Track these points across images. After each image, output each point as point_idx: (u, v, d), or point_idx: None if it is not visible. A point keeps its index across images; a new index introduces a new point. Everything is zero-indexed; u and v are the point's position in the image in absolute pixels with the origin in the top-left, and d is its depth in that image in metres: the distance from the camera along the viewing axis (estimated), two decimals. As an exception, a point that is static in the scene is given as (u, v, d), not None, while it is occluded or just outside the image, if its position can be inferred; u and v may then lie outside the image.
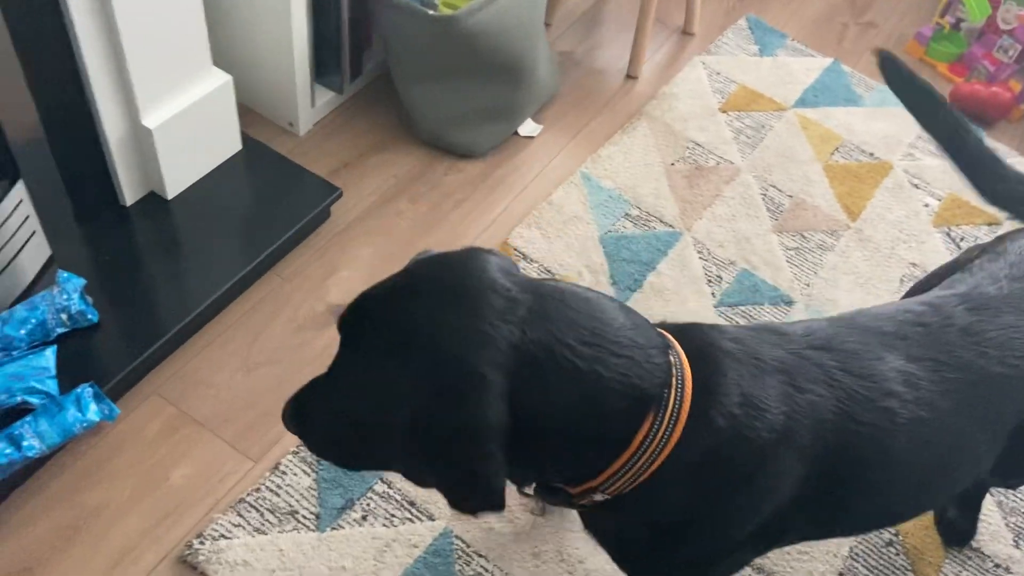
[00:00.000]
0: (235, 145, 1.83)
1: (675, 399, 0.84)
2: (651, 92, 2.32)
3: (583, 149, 2.16)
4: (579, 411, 0.80)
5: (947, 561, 1.55)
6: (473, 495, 0.79)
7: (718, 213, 2.05)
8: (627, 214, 2.02)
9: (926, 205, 2.14)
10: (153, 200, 1.73)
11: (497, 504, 0.79)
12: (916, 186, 2.18)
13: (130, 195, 1.69)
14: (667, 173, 2.11)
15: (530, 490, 0.97)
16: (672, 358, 0.87)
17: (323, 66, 2.00)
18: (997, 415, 1.03)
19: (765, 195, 2.10)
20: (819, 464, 0.93)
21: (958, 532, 1.54)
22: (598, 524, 1.03)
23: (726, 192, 2.09)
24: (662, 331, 0.92)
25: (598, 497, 0.89)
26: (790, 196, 2.11)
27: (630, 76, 2.36)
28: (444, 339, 0.76)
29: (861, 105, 2.35)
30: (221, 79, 1.68)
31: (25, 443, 1.33)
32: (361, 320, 0.83)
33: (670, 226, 2.00)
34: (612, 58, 2.40)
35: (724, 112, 2.28)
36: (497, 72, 1.99)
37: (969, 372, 0.99)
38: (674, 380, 0.85)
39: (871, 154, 2.24)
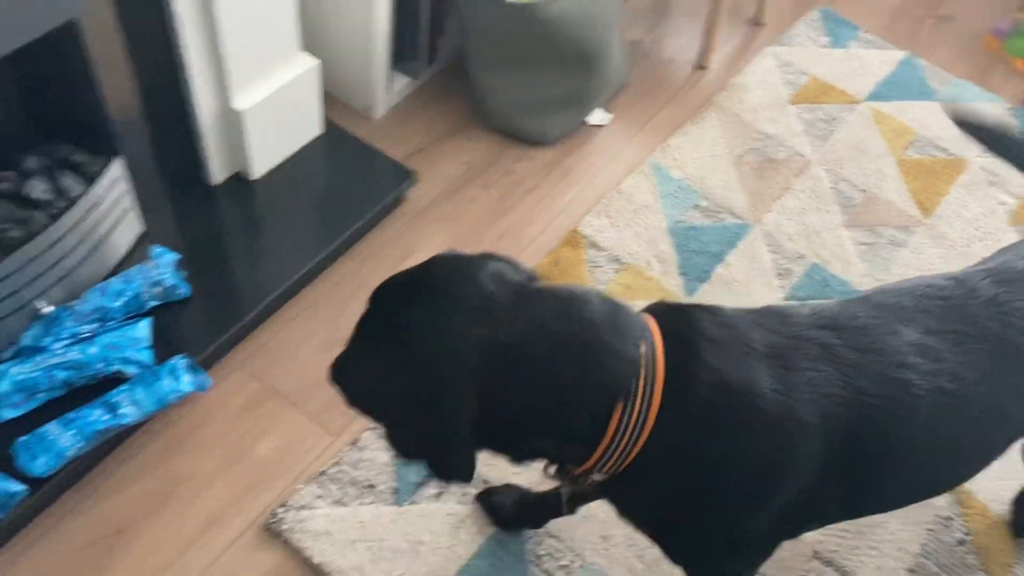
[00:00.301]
0: (317, 128, 1.87)
1: (644, 388, 0.88)
2: (721, 83, 2.31)
3: (652, 139, 2.17)
4: (545, 402, 0.88)
5: (1018, 561, 1.54)
6: (440, 467, 0.92)
7: (788, 206, 2.04)
8: (696, 205, 2.02)
9: (1002, 203, 2.10)
10: (239, 180, 1.78)
11: (464, 476, 0.91)
12: (992, 184, 2.14)
13: (218, 175, 1.74)
14: (736, 164, 2.11)
15: (552, 470, 1.01)
16: (644, 348, 0.90)
17: (400, 52, 2.03)
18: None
19: (836, 188, 2.09)
20: (836, 441, 0.93)
21: None
22: (624, 508, 1.05)
23: (796, 185, 2.09)
24: (648, 317, 0.94)
25: (596, 477, 0.95)
26: (862, 190, 2.09)
27: (699, 66, 2.35)
28: (423, 335, 0.86)
29: (936, 99, 2.32)
30: (309, 63, 1.72)
31: (121, 410, 1.39)
32: (383, 297, 0.95)
33: (739, 218, 2.01)
34: (681, 48, 2.40)
35: (795, 104, 2.27)
36: (572, 61, 2.01)
37: (996, 343, 0.97)
38: (643, 370, 0.89)
39: (946, 150, 2.21)
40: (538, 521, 1.46)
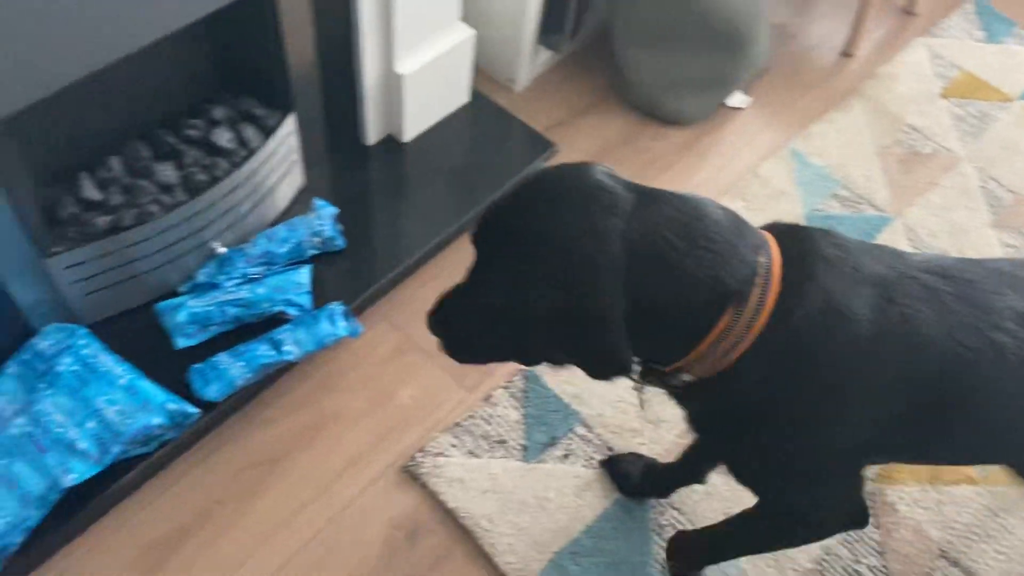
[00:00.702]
0: (465, 96, 1.94)
1: (760, 296, 0.90)
2: (868, 71, 2.26)
3: (791, 125, 2.15)
4: (669, 297, 0.88)
5: None
6: (606, 366, 0.92)
7: (933, 202, 1.99)
8: (835, 194, 2.00)
9: None
10: (390, 142, 1.87)
11: (626, 368, 0.91)
12: None
13: (373, 135, 1.83)
14: (880, 156, 2.07)
15: (637, 376, 1.03)
16: (763, 258, 0.91)
17: (546, 25, 2.07)
18: None
19: (985, 188, 2.03)
20: (920, 382, 0.94)
21: None
22: (698, 418, 1.08)
23: (943, 181, 2.03)
24: (766, 232, 0.96)
25: (685, 377, 0.96)
26: (1012, 192, 2.02)
27: (846, 53, 2.31)
28: (564, 235, 0.86)
29: (1100, 102, 2.21)
30: (466, 33, 1.78)
31: (284, 347, 1.49)
32: (493, 228, 0.93)
33: (880, 210, 1.97)
34: (826, 34, 2.36)
35: (945, 98, 2.20)
36: (718, 41, 2.00)
37: None
38: (759, 279, 0.90)
39: (1106, 155, 2.11)
40: (663, 491, 1.50)
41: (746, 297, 0.90)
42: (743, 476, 1.11)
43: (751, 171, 2.03)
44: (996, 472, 1.58)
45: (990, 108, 2.19)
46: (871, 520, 1.50)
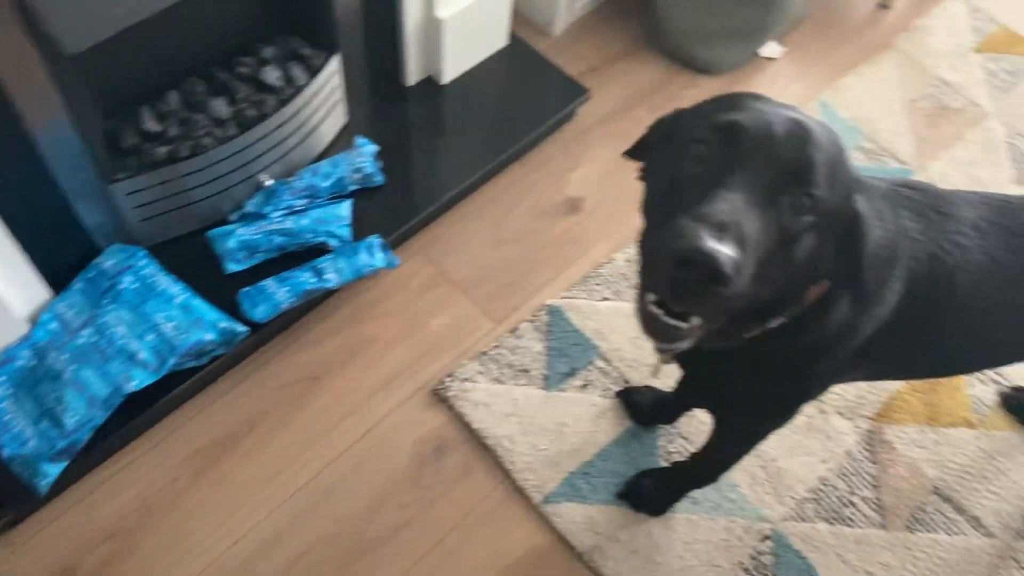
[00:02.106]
0: (502, 40, 2.00)
1: None
2: (903, 24, 2.27)
3: (823, 76, 2.18)
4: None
5: None
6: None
7: (957, 156, 2.03)
8: (860, 146, 2.04)
9: None
10: (429, 84, 1.95)
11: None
12: None
13: (413, 77, 1.91)
14: (908, 109, 2.10)
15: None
16: None
17: (584, -29, 2.12)
18: None
19: (1011, 144, 2.05)
20: (912, 284, 1.03)
21: None
22: (708, 377, 1.15)
23: (968, 136, 2.06)
24: None
25: (774, 324, 0.96)
26: (1038, 148, 2.05)
27: (882, 5, 2.31)
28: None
29: None
30: (505, -22, 1.84)
31: (326, 275, 1.61)
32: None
33: (903, 163, 2.01)
34: (866, -15, 2.36)
35: (979, 52, 2.21)
36: (756, -10, 2.03)
37: None
38: None
39: None
40: (670, 418, 1.60)
41: None
42: (735, 416, 1.20)
43: (779, 121, 2.07)
44: (995, 416, 1.66)
45: (1023, 63, 2.20)
46: (868, 455, 1.60)
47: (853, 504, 1.55)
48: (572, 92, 2.01)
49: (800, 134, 0.82)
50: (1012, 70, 2.18)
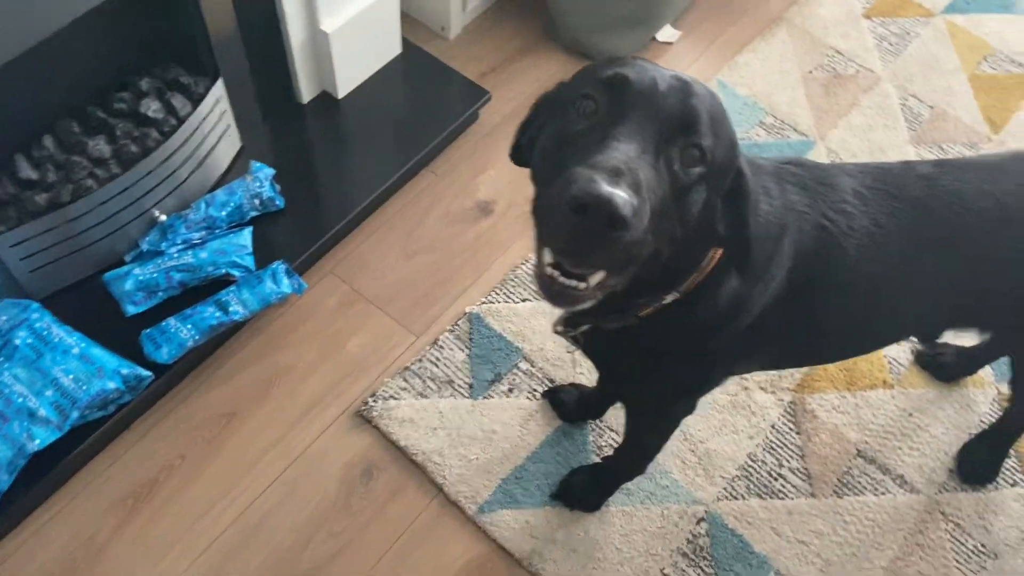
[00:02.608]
0: (396, 49, 1.97)
1: None
2: (792, -2, 2.31)
3: (720, 55, 2.20)
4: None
5: (1059, 466, 1.62)
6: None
7: (854, 123, 2.07)
8: (761, 122, 2.07)
9: (1076, 119, 2.09)
10: (325, 99, 1.91)
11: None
12: (1067, 99, 2.12)
13: (306, 94, 1.87)
14: (804, 81, 2.13)
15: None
16: None
17: (473, -29, 2.10)
18: (944, 257, 1.09)
19: (904, 105, 2.10)
20: (801, 256, 1.04)
21: (981, 471, 1.58)
22: (614, 363, 1.15)
23: (864, 101, 2.10)
24: None
25: (668, 299, 0.98)
26: (931, 107, 2.10)
27: (771, -20, 2.34)
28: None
29: (1017, 12, 2.27)
30: (389, -14, 1.81)
31: (231, 308, 1.56)
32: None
33: (804, 135, 2.05)
34: (754, -39, 2.39)
35: (868, 18, 2.26)
36: (642, -23, 2.04)
37: (916, 207, 1.08)
38: None
39: (1022, 64, 2.18)
40: (597, 412, 1.60)
41: None
42: (641, 402, 1.21)
43: (681, 104, 2.09)
44: (910, 375, 1.69)
45: (911, 25, 2.25)
46: (792, 426, 1.62)
47: (782, 476, 1.57)
48: (473, 94, 1.99)
49: (683, 88, 0.83)
50: (900, 32, 2.23)
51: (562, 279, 0.80)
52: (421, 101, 1.98)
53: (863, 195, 1.09)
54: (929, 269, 1.11)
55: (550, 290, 0.81)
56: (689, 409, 1.22)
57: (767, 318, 1.06)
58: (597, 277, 0.81)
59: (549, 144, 0.88)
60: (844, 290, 1.09)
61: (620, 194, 0.73)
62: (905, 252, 1.09)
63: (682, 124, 0.82)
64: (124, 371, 1.45)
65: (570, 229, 0.74)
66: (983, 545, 1.53)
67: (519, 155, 1.04)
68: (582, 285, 0.81)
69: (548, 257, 0.81)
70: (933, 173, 1.11)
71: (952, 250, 1.09)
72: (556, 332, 1.11)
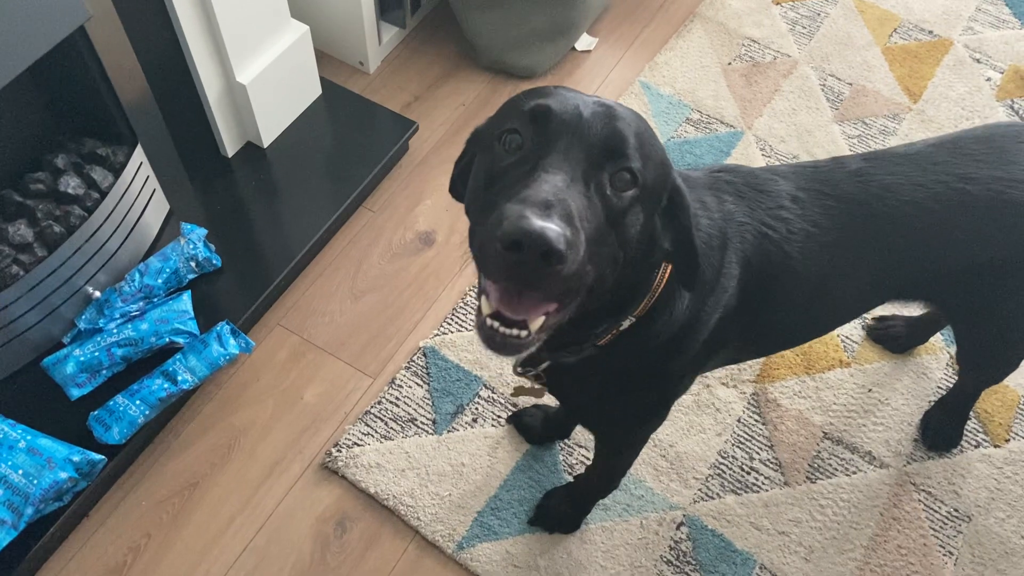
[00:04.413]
0: (316, 90, 1.95)
1: None
2: (703, -8, 2.34)
3: (640, 57, 2.22)
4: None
5: (1017, 421, 1.66)
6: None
7: (778, 108, 2.10)
8: (688, 119, 2.09)
9: (988, 79, 2.15)
10: (251, 149, 1.88)
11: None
12: (977, 60, 2.18)
13: (231, 147, 1.84)
14: (724, 73, 2.16)
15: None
16: None
17: (385, 2, 2.09)
18: (882, 248, 1.12)
19: (824, 85, 2.14)
20: (747, 266, 1.06)
21: (944, 437, 1.61)
22: (576, 393, 1.15)
23: (785, 86, 2.14)
24: None
25: (625, 324, 0.98)
26: (850, 84, 2.14)
27: (680, -23, 2.37)
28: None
29: (918, -18, 2.33)
30: (300, 30, 1.79)
31: (179, 377, 1.52)
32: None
33: (731, 126, 2.07)
34: (661, -39, 2.42)
35: (778, 4, 2.30)
36: (552, -10, 2.05)
37: (851, 203, 1.10)
38: None
39: (930, 32, 2.24)
40: (564, 431, 1.60)
41: None
42: (611, 429, 1.21)
43: (608, 110, 2.10)
44: (864, 350, 1.72)
45: (821, 5, 2.29)
46: (758, 418, 1.63)
47: (754, 470, 1.58)
48: (400, 126, 1.98)
49: (607, 112, 0.83)
50: (811, 14, 2.28)
51: (503, 330, 0.80)
52: (349, 139, 1.96)
53: (799, 198, 1.10)
54: (870, 261, 1.13)
55: (493, 342, 0.80)
56: (656, 426, 1.22)
57: (724, 328, 1.06)
58: (537, 323, 0.80)
59: (479, 180, 0.88)
60: (793, 291, 1.10)
61: (552, 227, 0.71)
62: (846, 247, 1.10)
63: (609, 149, 0.81)
64: (75, 458, 1.40)
65: (507, 267, 0.73)
66: (956, 510, 1.56)
67: (456, 189, 1.03)
68: (523, 333, 0.80)
69: (487, 307, 0.80)
70: (864, 168, 1.12)
71: (890, 241, 1.11)
72: (516, 374, 1.10)
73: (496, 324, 0.79)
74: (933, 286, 1.20)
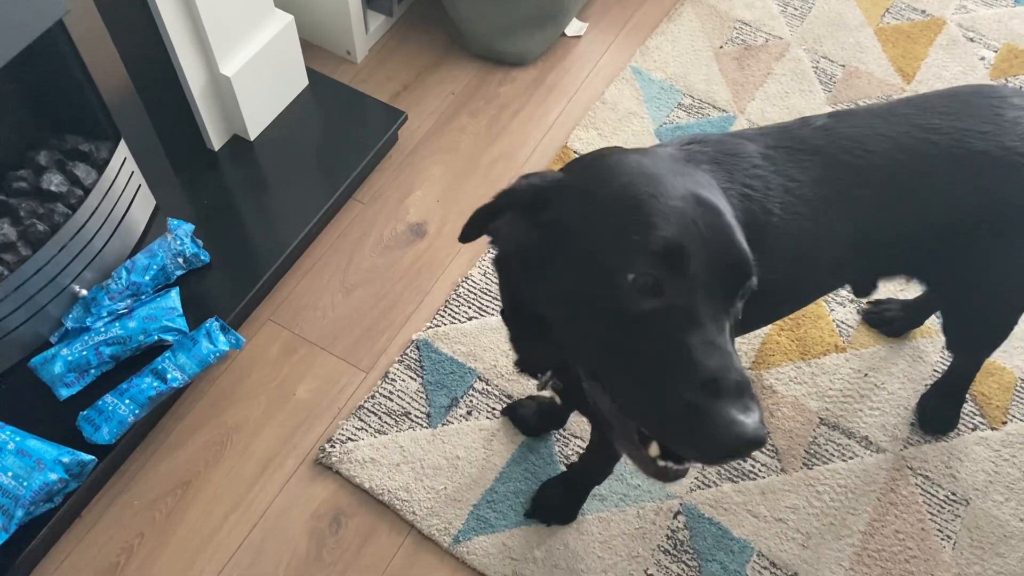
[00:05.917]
0: (303, 81, 1.92)
1: None
2: (693, -25, 2.31)
3: (631, 42, 2.19)
4: None
5: (1013, 404, 1.65)
6: None
7: (771, 92, 2.08)
8: (680, 104, 2.06)
9: (982, 58, 2.13)
10: (238, 143, 1.85)
11: None
12: (971, 40, 2.16)
13: (217, 140, 1.81)
14: (716, 57, 2.14)
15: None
16: None
17: (371, -10, 2.06)
18: (854, 200, 1.11)
19: (817, 67, 2.12)
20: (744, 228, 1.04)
21: (940, 421, 1.61)
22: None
23: (777, 69, 2.12)
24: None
25: None
26: (842, 65, 2.12)
27: (671, -40, 2.34)
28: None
29: (910, -39, 2.31)
30: (284, 20, 1.76)
31: (169, 375, 1.51)
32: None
33: (723, 110, 2.05)
34: (650, -57, 2.39)
35: (769, -14, 2.27)
36: (541, -24, 2.02)
37: (821, 155, 1.10)
38: None
39: (923, 11, 2.22)
40: (559, 422, 1.58)
41: None
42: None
43: (598, 98, 2.08)
44: (860, 335, 1.71)
45: (812, -12, 2.27)
46: (753, 407, 1.62)
47: (754, 458, 1.57)
48: (389, 116, 1.96)
49: (722, 225, 0.80)
50: (802, -4, 2.25)
51: (676, 467, 0.80)
52: (337, 131, 1.93)
53: (770, 156, 1.10)
54: (845, 215, 1.12)
55: (666, 477, 0.80)
56: None
57: None
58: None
59: (600, 318, 0.80)
60: (776, 251, 1.09)
61: (763, 430, 0.72)
62: (821, 200, 1.10)
63: (739, 270, 0.79)
64: (65, 459, 1.39)
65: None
66: (953, 493, 1.55)
67: (470, 237, 0.97)
68: (686, 466, 0.80)
69: (655, 450, 0.79)
70: (829, 123, 1.13)
71: (861, 193, 1.11)
72: (539, 389, 1.12)
73: (670, 464, 0.79)
74: (911, 252, 1.19)
